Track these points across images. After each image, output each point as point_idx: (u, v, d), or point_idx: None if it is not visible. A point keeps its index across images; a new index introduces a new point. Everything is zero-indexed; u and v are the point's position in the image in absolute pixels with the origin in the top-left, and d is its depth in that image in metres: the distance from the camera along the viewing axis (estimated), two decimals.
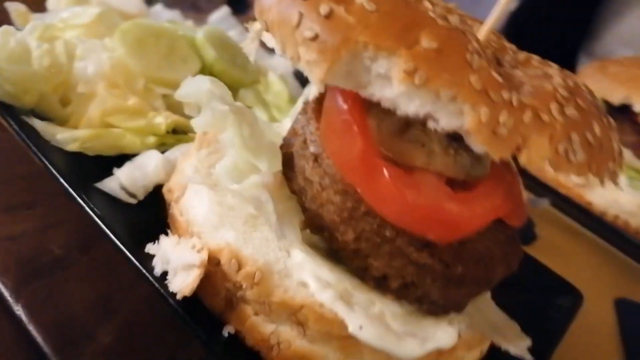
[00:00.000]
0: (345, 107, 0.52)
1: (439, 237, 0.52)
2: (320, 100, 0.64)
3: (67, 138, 0.73)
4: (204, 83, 0.62)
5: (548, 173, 1.29)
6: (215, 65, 0.93)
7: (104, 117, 0.78)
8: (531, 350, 0.63)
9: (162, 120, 0.80)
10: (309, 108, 0.63)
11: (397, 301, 0.57)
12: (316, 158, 0.57)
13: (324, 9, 0.46)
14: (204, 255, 0.56)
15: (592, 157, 0.49)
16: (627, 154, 1.21)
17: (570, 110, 0.48)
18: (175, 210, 0.65)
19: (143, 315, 0.63)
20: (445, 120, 0.45)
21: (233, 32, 1.18)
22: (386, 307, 0.56)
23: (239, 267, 0.55)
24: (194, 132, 0.83)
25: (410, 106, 0.45)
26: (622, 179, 1.21)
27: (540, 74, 0.54)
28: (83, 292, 0.64)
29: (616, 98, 1.19)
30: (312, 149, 0.58)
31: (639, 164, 1.21)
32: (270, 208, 0.56)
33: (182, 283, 0.55)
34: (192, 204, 0.63)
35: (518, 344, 0.62)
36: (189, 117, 0.85)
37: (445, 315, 0.60)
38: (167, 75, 0.86)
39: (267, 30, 0.53)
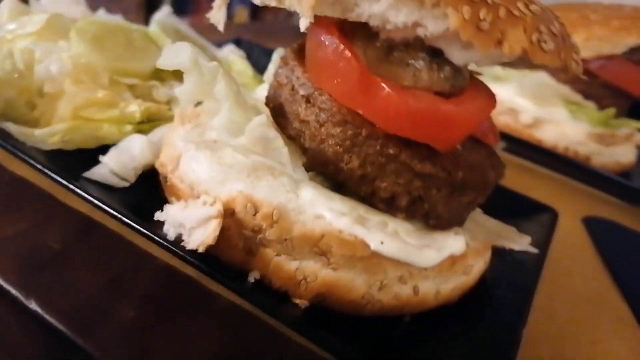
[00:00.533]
0: (333, 38, 0.55)
1: (439, 141, 0.56)
2: (299, 50, 0.67)
3: (46, 134, 0.72)
4: (186, 48, 0.63)
5: (499, 120, 1.38)
6: None
7: (76, 112, 0.77)
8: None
9: (136, 108, 0.80)
10: (289, 59, 0.65)
11: (407, 220, 0.60)
12: (308, 99, 0.60)
13: None
14: (219, 206, 0.57)
15: (560, 47, 0.54)
16: (566, 90, 1.31)
17: (534, 7, 0.53)
18: (174, 180, 0.66)
19: (158, 287, 0.63)
20: (432, 25, 0.49)
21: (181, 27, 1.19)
22: (399, 226, 0.59)
23: (256, 211, 0.57)
24: (169, 119, 0.84)
25: (399, 16, 0.49)
26: (564, 112, 1.31)
27: None
28: (93, 277, 0.63)
29: None
30: (302, 91, 0.60)
31: (578, 98, 1.31)
32: (280, 142, 0.58)
33: (201, 236, 0.56)
34: (191, 169, 0.63)
35: (520, 242, 0.66)
36: (160, 103, 0.86)
37: (450, 229, 0.64)
38: (130, 66, 0.86)
39: None
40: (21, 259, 0.64)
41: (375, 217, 0.59)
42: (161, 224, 0.61)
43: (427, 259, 0.58)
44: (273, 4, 0.53)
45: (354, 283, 0.58)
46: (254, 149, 0.59)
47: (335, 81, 0.57)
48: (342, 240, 0.56)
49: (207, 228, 0.56)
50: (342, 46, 0.54)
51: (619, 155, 1.32)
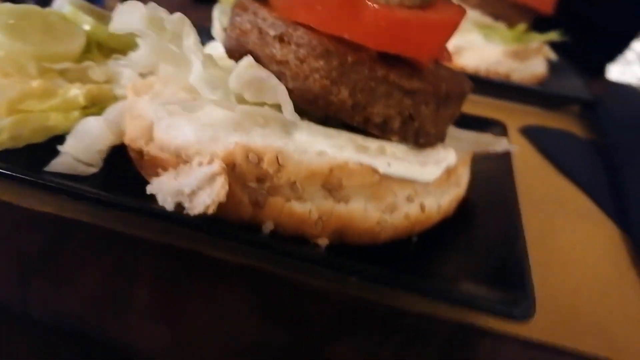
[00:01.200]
0: None
1: (423, 51, 0.57)
2: None
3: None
4: (138, 7, 0.58)
5: None
6: (97, 32, 0.86)
7: (13, 106, 0.69)
8: None
9: (78, 92, 0.74)
10: (247, 4, 0.63)
11: (401, 141, 0.61)
12: (283, 37, 0.58)
13: None
14: (219, 162, 0.54)
15: None
16: (477, 15, 1.38)
17: None
18: (153, 151, 0.62)
19: (167, 267, 0.60)
20: None
21: None
22: (395, 149, 0.60)
23: (259, 159, 0.55)
24: (113, 99, 0.78)
25: None
26: (479, 37, 1.39)
27: None
28: (92, 271, 0.58)
29: None
30: (274, 31, 0.58)
31: (489, 21, 1.39)
32: (274, 80, 0.56)
33: (208, 198, 0.53)
34: (171, 136, 0.60)
35: (499, 143, 0.70)
36: (100, 84, 0.79)
37: (437, 145, 0.66)
38: (56, 50, 0.78)
39: None
40: (3, 271, 0.57)
41: (372, 144, 0.59)
42: (153, 198, 0.58)
43: (429, 173, 0.60)
44: None
45: (367, 211, 0.58)
46: (247, 94, 0.57)
47: (315, 9, 0.55)
48: (351, 171, 0.56)
49: (212, 187, 0.53)
50: None
51: (533, 68, 1.42)
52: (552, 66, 1.51)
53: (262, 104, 0.59)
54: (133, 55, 0.60)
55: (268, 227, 0.58)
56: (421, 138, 0.63)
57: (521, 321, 0.52)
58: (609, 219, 0.87)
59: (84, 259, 0.60)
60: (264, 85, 0.56)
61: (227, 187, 0.53)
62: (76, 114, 0.72)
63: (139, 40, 0.60)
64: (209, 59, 0.58)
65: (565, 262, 0.73)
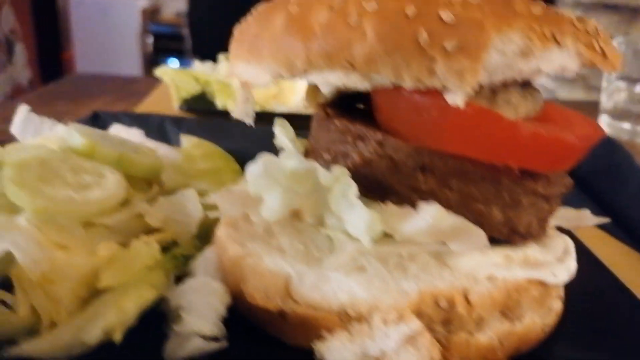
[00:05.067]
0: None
1: (565, 165, 0.59)
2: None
3: (92, 333, 0.52)
4: (269, 163, 0.52)
5: None
6: (121, 161, 0.75)
7: (81, 291, 0.57)
8: None
9: (156, 247, 0.62)
10: (366, 133, 0.59)
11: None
12: (423, 167, 0.56)
13: (447, 16, 0.45)
14: (413, 319, 0.50)
15: None
16: None
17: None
18: (301, 310, 0.55)
19: None
20: (552, 65, 0.50)
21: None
22: (532, 251, 0.61)
23: (450, 304, 0.52)
24: (186, 240, 0.68)
25: (554, 63, 0.49)
26: None
27: None
28: None
29: None
30: (413, 162, 0.56)
31: None
32: (471, 226, 0.53)
33: (414, 357, 0.49)
34: (325, 292, 0.54)
35: (587, 217, 0.75)
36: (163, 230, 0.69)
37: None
38: (97, 198, 0.66)
39: (353, 67, 0.48)
40: None
41: (514, 253, 0.59)
42: None
43: (571, 266, 0.62)
44: (419, 84, 0.48)
45: (535, 321, 0.58)
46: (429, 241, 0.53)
47: (453, 136, 0.54)
48: (525, 290, 0.56)
49: (416, 348, 0.50)
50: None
51: None
52: None
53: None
54: (265, 209, 0.53)
55: None
56: (538, 235, 0.64)
57: None
58: None
59: None
60: (462, 230, 0.53)
61: (434, 346, 0.50)
62: (161, 274, 0.62)
63: (267, 191, 0.54)
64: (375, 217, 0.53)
65: None
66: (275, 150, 0.68)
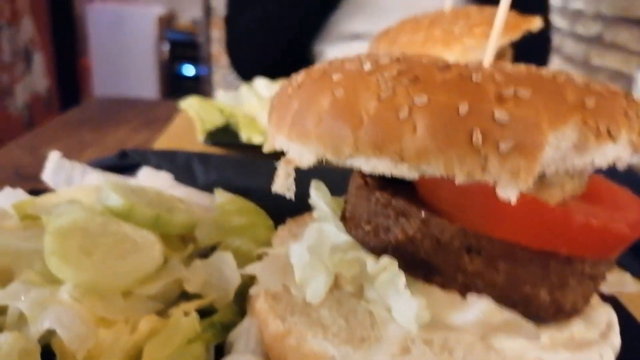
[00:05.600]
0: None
1: (603, 254, 0.58)
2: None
3: None
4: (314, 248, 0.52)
5: None
6: (158, 222, 0.75)
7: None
8: None
9: (186, 320, 0.62)
10: (410, 210, 0.59)
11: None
12: (469, 248, 0.55)
13: (501, 114, 0.45)
14: None
15: None
16: None
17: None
18: None
19: None
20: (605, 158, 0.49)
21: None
22: (572, 330, 0.60)
23: None
24: (223, 306, 0.68)
25: (608, 157, 0.48)
26: None
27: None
28: None
29: None
30: (459, 243, 0.56)
31: None
32: (524, 323, 0.52)
33: None
34: None
35: (625, 282, 0.73)
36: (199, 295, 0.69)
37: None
38: (136, 271, 0.66)
39: (402, 159, 0.48)
40: None
41: (559, 334, 0.59)
42: None
43: (614, 345, 0.61)
44: (471, 179, 0.47)
45: None
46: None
47: (509, 224, 0.53)
48: None
49: None
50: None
51: None
52: None
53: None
54: (311, 294, 0.53)
55: None
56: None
57: None
58: None
59: None
60: (513, 326, 0.53)
61: None
62: (201, 347, 0.62)
63: (307, 275, 0.53)
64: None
65: None
66: (305, 186, 0.68)
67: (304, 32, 2.13)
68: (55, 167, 0.96)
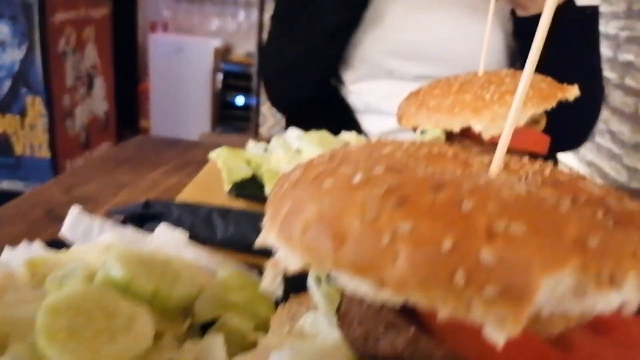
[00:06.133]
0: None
1: None
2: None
3: None
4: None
5: None
6: (156, 297, 0.75)
7: None
8: None
9: None
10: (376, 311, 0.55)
11: None
12: None
13: (487, 255, 0.41)
14: None
15: None
16: None
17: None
18: None
19: None
20: (629, 298, 0.45)
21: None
22: None
23: None
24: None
25: (612, 304, 0.44)
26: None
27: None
28: None
29: (455, 126, 1.35)
30: None
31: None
32: None
33: None
34: None
35: None
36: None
37: None
38: (121, 349, 0.66)
39: (383, 286, 0.45)
40: None
41: None
42: None
43: None
44: (455, 317, 0.43)
45: None
46: None
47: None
48: None
49: None
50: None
51: None
52: None
53: None
54: None
55: None
56: None
57: None
58: None
59: None
60: None
61: None
62: None
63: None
64: None
65: None
66: None
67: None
68: (74, 221, 0.99)
